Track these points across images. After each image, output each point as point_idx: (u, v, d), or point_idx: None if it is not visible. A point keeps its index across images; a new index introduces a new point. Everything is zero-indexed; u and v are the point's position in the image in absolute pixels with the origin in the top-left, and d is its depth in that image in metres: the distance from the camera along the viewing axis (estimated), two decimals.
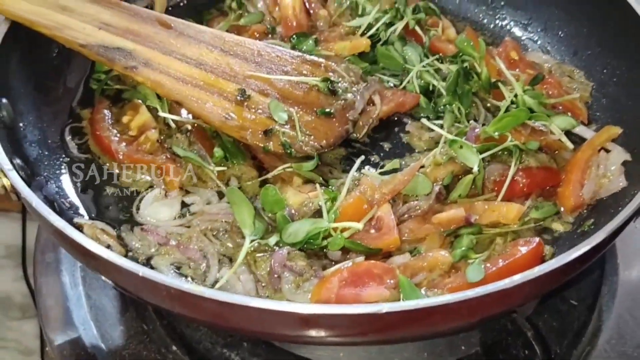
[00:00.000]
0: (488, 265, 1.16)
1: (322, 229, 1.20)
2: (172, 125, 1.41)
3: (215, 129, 1.37)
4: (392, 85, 1.53)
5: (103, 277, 1.13)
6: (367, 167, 1.38)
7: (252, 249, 1.20)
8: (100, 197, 1.33)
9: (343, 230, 1.21)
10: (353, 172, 1.32)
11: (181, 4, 1.71)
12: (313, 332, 1.01)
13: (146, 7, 1.60)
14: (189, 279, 1.20)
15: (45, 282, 1.42)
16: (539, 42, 1.63)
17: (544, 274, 1.02)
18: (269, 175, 1.35)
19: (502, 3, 1.68)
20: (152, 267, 1.21)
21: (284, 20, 1.62)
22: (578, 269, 1.10)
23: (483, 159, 1.31)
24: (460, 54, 1.51)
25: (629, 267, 1.47)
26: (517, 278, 1.01)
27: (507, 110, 1.41)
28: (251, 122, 1.34)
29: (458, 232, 1.25)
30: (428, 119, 1.45)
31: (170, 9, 1.68)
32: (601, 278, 1.43)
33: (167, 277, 1.00)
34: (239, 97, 1.35)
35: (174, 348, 1.31)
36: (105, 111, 1.44)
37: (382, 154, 1.42)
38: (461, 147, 1.31)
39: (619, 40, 1.46)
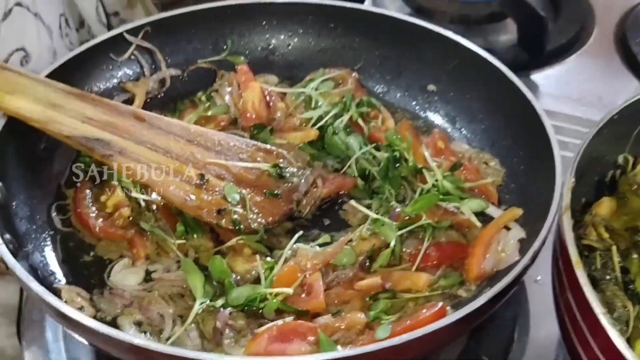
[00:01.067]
0: (396, 324, 1.39)
1: (260, 294, 1.44)
2: (142, 203, 1.66)
3: (177, 207, 1.61)
4: (335, 169, 1.77)
5: (76, 335, 1.36)
6: (307, 240, 1.60)
7: (200, 310, 1.44)
8: (78, 265, 1.57)
9: (277, 294, 1.45)
10: (291, 245, 1.55)
11: (159, 96, 1.96)
12: None
13: (126, 99, 1.88)
14: (148, 334, 1.43)
15: (32, 336, 1.64)
16: (463, 132, 1.87)
17: (434, 330, 1.24)
18: (223, 247, 1.59)
19: (435, 98, 1.94)
20: (117, 325, 1.44)
21: (244, 112, 1.88)
22: (467, 327, 1.33)
23: (401, 234, 1.55)
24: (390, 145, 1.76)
25: (539, 327, 1.67)
26: (412, 334, 1.24)
27: (428, 192, 1.65)
28: (207, 202, 1.58)
29: (376, 297, 1.48)
30: (363, 199, 1.69)
31: (148, 100, 1.93)
32: (512, 336, 1.63)
33: (125, 334, 1.24)
34: (199, 182, 1.60)
35: None
36: (87, 191, 1.69)
37: (321, 228, 1.65)
38: (382, 224, 1.56)
39: (528, 136, 1.70)
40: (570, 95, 2.25)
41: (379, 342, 1.26)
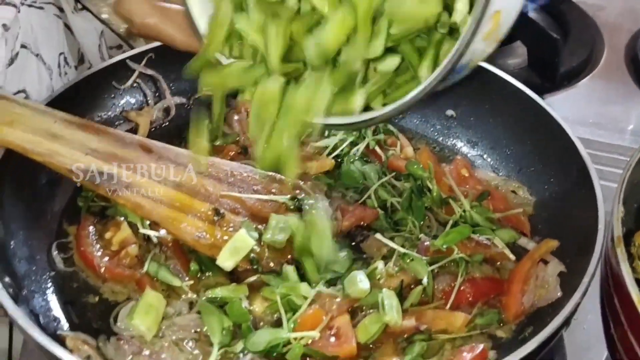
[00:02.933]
0: None
1: (282, 339, 1.32)
2: (154, 240, 1.53)
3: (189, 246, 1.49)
4: (354, 200, 1.67)
5: None
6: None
7: (219, 357, 1.32)
8: (82, 308, 1.44)
9: (302, 338, 1.33)
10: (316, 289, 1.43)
11: (164, 124, 1.87)
12: None
13: (130, 129, 1.78)
14: None
15: None
16: (487, 159, 1.78)
17: None
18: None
19: (455, 123, 1.85)
20: None
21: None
22: None
23: (432, 270, 1.45)
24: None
25: None
26: None
27: (455, 224, 1.55)
28: (223, 241, 1.47)
29: (411, 339, 1.37)
30: (385, 231, 1.58)
31: (153, 129, 1.84)
32: None
33: None
34: (214, 217, 1.48)
35: None
36: (90, 227, 1.56)
37: None
38: (412, 259, 1.45)
39: (557, 160, 1.62)
40: (586, 119, 2.18)
41: None
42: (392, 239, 1.54)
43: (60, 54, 1.90)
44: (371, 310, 1.40)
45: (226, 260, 1.43)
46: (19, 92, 1.68)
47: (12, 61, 1.66)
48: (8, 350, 1.92)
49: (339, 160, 1.74)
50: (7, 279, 1.33)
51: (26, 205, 1.53)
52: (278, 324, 1.37)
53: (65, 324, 1.41)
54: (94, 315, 1.44)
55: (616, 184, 1.30)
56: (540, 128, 1.66)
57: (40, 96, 1.70)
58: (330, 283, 1.44)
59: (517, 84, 1.74)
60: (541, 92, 2.18)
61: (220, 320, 1.34)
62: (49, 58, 1.81)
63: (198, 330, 1.38)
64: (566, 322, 1.24)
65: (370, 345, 1.36)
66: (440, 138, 1.86)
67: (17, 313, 1.22)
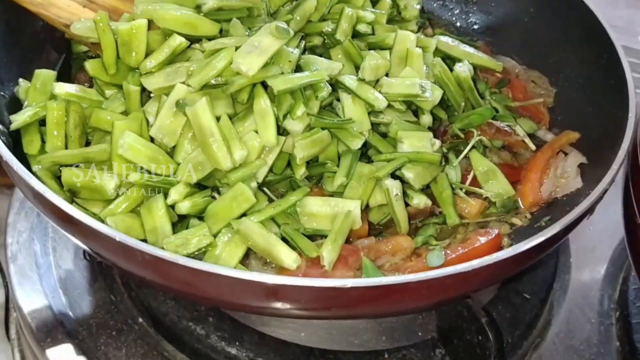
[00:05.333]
0: (448, 252, 1.22)
1: None
2: None
3: None
4: None
5: (79, 242, 1.15)
6: None
7: None
8: None
9: None
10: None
11: None
12: (279, 304, 1.05)
13: None
14: None
15: (17, 250, 1.44)
16: (507, 47, 1.68)
17: (500, 260, 1.08)
18: None
19: (475, 8, 1.75)
20: None
21: None
22: (533, 259, 1.17)
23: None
24: None
25: (581, 266, 1.54)
26: (475, 263, 1.07)
27: None
28: None
29: (425, 222, 1.32)
30: None
31: None
32: (554, 275, 1.49)
33: (143, 244, 1.04)
34: None
35: (140, 320, 1.34)
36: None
37: None
38: None
39: (581, 49, 1.53)
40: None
41: (434, 270, 1.07)
42: None
43: None
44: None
45: None
46: None
47: None
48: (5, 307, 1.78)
49: None
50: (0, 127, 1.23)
51: (19, 55, 1.41)
52: None
53: None
54: None
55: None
56: (565, 14, 1.57)
57: None
58: None
59: None
60: None
61: None
62: None
63: None
64: (590, 209, 1.18)
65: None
66: (458, 23, 1.76)
67: (12, 160, 1.12)
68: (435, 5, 1.78)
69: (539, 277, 1.49)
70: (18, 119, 1.27)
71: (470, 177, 1.37)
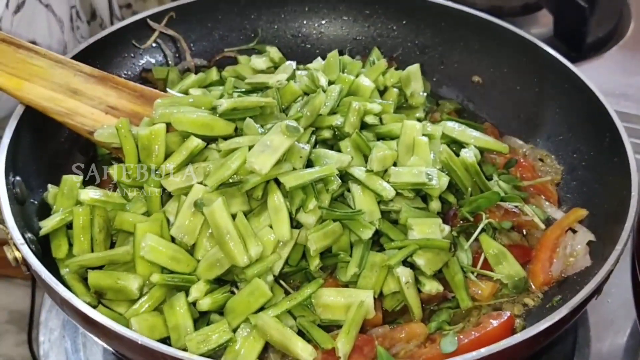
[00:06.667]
0: (461, 337, 1.25)
1: None
2: None
3: None
4: None
5: (104, 344, 1.21)
6: None
7: None
8: None
9: None
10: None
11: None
12: None
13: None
14: None
15: (49, 347, 1.50)
16: (514, 127, 1.73)
17: (510, 346, 1.12)
18: None
19: (481, 89, 1.81)
20: None
21: None
22: (542, 343, 1.19)
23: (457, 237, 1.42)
24: None
25: (601, 339, 1.55)
26: (483, 351, 1.10)
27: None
28: None
29: (439, 306, 1.35)
30: None
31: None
32: (573, 349, 1.51)
33: (164, 346, 1.09)
34: None
35: None
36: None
37: None
38: None
39: (587, 127, 1.58)
40: (612, 90, 2.13)
41: (449, 357, 1.11)
42: None
43: (72, 7, 1.87)
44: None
45: None
46: (28, 42, 1.62)
47: (18, 9, 1.61)
48: (30, 313, 1.89)
49: None
50: (29, 235, 1.31)
51: (46, 163, 1.50)
52: None
53: None
54: None
55: None
56: (570, 95, 1.62)
57: (51, 50, 1.65)
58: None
59: (547, 49, 1.70)
60: None
61: None
62: (60, 10, 1.78)
63: None
64: (597, 290, 1.22)
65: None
66: (466, 103, 1.82)
67: (41, 269, 1.20)
68: (444, 88, 1.84)
69: (558, 352, 1.51)
70: (47, 225, 1.35)
71: (481, 260, 1.40)
